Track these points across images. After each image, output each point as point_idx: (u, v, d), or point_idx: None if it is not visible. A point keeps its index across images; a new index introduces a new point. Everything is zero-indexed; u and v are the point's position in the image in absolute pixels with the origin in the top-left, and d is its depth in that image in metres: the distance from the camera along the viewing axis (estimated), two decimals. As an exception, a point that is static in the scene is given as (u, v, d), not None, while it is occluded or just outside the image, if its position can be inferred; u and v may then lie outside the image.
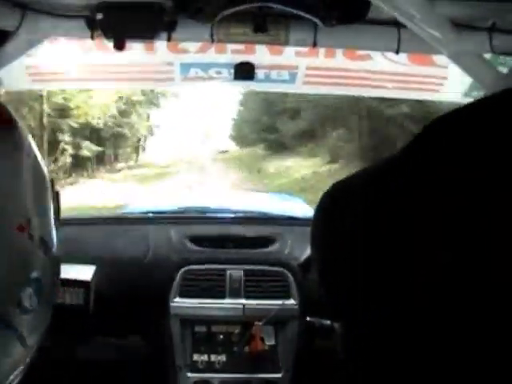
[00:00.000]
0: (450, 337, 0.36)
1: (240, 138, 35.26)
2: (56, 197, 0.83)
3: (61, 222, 0.82)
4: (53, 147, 18.90)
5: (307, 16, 1.58)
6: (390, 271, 0.40)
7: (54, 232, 0.78)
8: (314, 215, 0.55)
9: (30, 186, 0.69)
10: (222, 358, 2.15)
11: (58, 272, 0.76)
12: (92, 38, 1.67)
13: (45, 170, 0.76)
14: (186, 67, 2.32)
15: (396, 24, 1.68)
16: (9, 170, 0.65)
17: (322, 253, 0.53)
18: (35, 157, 0.73)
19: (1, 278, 0.62)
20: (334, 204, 0.52)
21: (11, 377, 0.66)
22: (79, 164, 21.71)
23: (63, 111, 19.91)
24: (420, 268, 0.37)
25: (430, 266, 0.37)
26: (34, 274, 0.67)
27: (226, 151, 34.73)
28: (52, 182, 0.80)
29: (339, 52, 2.18)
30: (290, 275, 2.20)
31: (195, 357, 2.15)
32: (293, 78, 2.40)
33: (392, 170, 0.43)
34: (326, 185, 0.56)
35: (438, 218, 0.37)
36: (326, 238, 0.51)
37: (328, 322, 1.95)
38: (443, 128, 0.40)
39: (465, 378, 0.36)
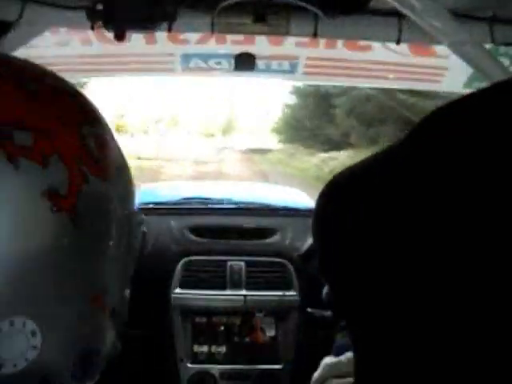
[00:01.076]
0: (451, 335, 0.36)
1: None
2: (142, 238, 0.75)
3: None
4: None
5: (308, 6, 1.58)
6: (390, 264, 0.40)
7: (127, 295, 0.72)
8: (316, 206, 0.55)
9: (116, 253, 0.62)
10: (223, 349, 2.16)
11: (120, 337, 0.69)
12: (92, 28, 1.66)
13: (137, 216, 0.69)
14: (186, 58, 2.32)
15: (397, 14, 1.67)
16: (98, 238, 0.58)
17: (322, 243, 0.53)
18: (127, 205, 0.65)
19: (61, 353, 0.56)
20: (335, 194, 0.52)
21: None
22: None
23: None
24: (420, 264, 0.38)
25: (430, 264, 0.37)
26: (97, 346, 0.61)
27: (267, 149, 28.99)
28: (141, 222, 0.73)
29: (340, 42, 2.18)
30: (290, 266, 2.21)
31: (196, 348, 2.15)
32: (293, 69, 2.40)
33: (392, 161, 0.43)
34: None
35: (437, 210, 0.37)
36: (326, 229, 0.51)
37: (329, 313, 1.96)
38: (443, 118, 0.40)
39: (465, 379, 0.36)
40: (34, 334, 0.53)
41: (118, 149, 0.64)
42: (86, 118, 0.60)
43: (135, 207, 0.68)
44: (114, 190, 0.60)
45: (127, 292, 0.72)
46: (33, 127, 0.52)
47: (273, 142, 32.21)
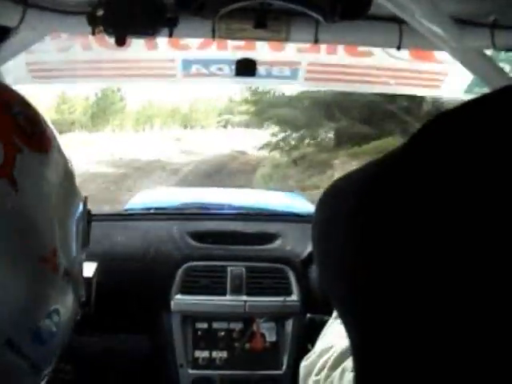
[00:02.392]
0: (453, 337, 0.36)
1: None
2: (88, 217, 0.80)
3: None
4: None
5: (308, 12, 1.58)
6: (390, 269, 0.40)
7: (81, 260, 0.76)
8: (315, 211, 0.55)
9: (60, 211, 0.67)
10: (223, 354, 2.15)
11: (79, 301, 0.74)
12: (93, 34, 1.66)
13: (77, 190, 0.74)
14: (187, 64, 2.32)
15: (397, 20, 1.68)
16: (40, 202, 0.63)
17: (321, 250, 0.52)
18: (68, 177, 0.70)
19: (18, 309, 0.60)
20: (335, 200, 0.52)
21: None
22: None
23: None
24: (420, 266, 0.37)
25: (430, 264, 0.37)
26: (54, 307, 0.65)
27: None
28: (85, 200, 0.78)
29: (340, 48, 2.18)
30: (291, 272, 2.21)
31: (196, 353, 2.15)
32: (294, 75, 2.40)
33: (392, 167, 0.43)
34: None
35: (438, 214, 0.37)
36: (325, 235, 0.51)
37: (329, 319, 1.96)
38: (444, 125, 0.40)
39: (465, 379, 0.36)
40: None
41: (52, 131, 0.70)
42: (16, 101, 0.67)
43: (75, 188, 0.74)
44: (50, 162, 0.66)
45: (81, 257, 0.76)
46: None
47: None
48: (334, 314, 1.06)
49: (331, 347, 0.90)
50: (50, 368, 0.70)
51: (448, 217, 0.36)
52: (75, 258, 0.71)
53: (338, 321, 1.00)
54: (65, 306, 0.67)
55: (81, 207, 0.75)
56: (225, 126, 28.24)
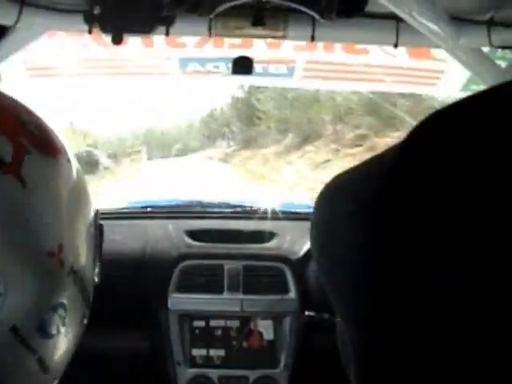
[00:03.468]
0: (455, 337, 0.36)
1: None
2: (99, 230, 0.84)
3: None
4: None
5: (305, 10, 1.58)
6: (393, 268, 0.40)
7: (91, 267, 0.78)
8: (314, 210, 0.55)
9: (70, 213, 0.69)
10: (221, 352, 2.15)
11: (87, 305, 0.76)
12: (90, 32, 1.66)
13: (89, 198, 0.76)
14: (184, 62, 2.32)
15: (394, 18, 1.68)
16: (48, 199, 0.65)
17: (322, 248, 0.52)
18: (78, 185, 0.73)
19: (24, 300, 0.62)
20: (334, 199, 0.52)
21: None
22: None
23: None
24: (423, 265, 0.37)
25: (430, 265, 0.37)
26: (60, 301, 0.67)
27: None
28: (97, 213, 0.81)
29: (338, 46, 2.18)
30: (288, 270, 2.20)
31: (193, 352, 2.15)
32: (291, 72, 2.40)
33: (389, 164, 0.43)
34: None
35: (435, 214, 0.37)
36: (325, 234, 0.51)
37: (327, 316, 1.96)
38: (440, 122, 0.40)
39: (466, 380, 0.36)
40: None
41: (60, 140, 0.73)
42: (25, 112, 0.69)
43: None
44: (59, 166, 0.69)
45: (92, 265, 0.80)
46: None
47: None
48: None
49: None
50: (60, 371, 0.71)
51: (447, 215, 0.36)
52: (85, 262, 0.73)
53: None
54: (71, 302, 0.69)
55: (92, 214, 0.77)
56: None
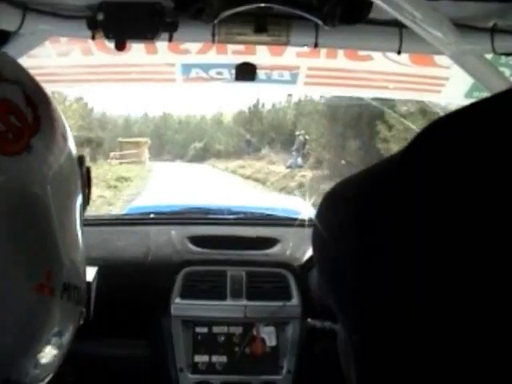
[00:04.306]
0: (454, 340, 0.36)
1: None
2: (87, 174, 0.78)
3: None
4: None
5: (308, 16, 1.58)
6: (394, 273, 0.40)
7: (79, 258, 0.72)
8: (316, 217, 0.55)
9: (59, 222, 0.64)
10: (223, 359, 2.15)
11: (83, 303, 0.72)
12: (93, 38, 1.66)
13: (77, 184, 0.72)
14: (187, 68, 2.32)
15: (398, 24, 1.68)
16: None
17: (324, 255, 0.52)
18: (60, 176, 0.67)
19: (17, 348, 0.59)
20: (334, 204, 0.52)
21: None
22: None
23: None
24: (419, 272, 0.37)
25: (431, 267, 0.37)
26: (55, 330, 0.64)
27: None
28: (82, 159, 0.76)
29: (341, 52, 2.19)
30: (291, 277, 2.20)
31: (196, 358, 2.14)
32: (294, 79, 2.40)
33: (391, 172, 0.43)
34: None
35: (436, 221, 0.37)
36: (328, 241, 0.51)
37: (329, 324, 1.96)
38: (444, 129, 0.40)
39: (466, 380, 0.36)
40: None
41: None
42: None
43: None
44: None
45: (82, 269, 0.73)
46: None
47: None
48: None
49: None
50: (54, 367, 0.69)
51: (448, 222, 0.36)
52: (75, 272, 0.69)
53: None
54: (66, 323, 0.66)
55: (80, 200, 0.73)
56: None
